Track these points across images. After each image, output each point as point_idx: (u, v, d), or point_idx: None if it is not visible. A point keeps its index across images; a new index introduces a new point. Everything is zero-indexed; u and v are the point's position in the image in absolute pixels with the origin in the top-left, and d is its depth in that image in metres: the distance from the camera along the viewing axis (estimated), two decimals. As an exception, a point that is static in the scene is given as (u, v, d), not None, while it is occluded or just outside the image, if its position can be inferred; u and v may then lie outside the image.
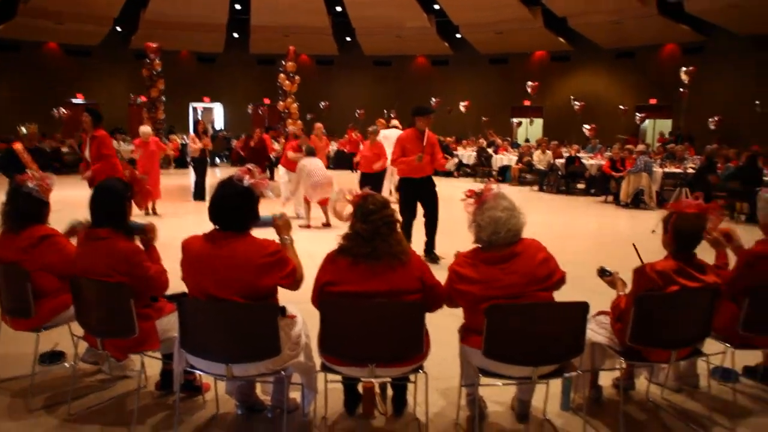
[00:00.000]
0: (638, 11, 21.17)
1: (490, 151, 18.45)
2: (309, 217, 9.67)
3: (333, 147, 20.19)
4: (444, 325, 3.51)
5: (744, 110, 18.84)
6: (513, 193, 13.57)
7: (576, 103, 22.08)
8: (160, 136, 14.77)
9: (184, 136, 20.34)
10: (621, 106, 22.30)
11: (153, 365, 3.69)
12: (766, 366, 4.02)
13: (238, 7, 25.21)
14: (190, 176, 12.53)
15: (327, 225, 9.51)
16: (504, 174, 17.52)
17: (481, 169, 17.95)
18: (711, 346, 3.49)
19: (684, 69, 16.80)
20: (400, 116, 18.99)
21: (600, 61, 25.12)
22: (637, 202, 12.80)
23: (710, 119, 17.68)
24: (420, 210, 7.24)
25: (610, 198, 13.70)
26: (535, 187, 15.87)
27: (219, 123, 28.95)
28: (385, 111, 23.91)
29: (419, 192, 7.19)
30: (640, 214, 12.11)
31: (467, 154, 19.23)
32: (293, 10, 23.55)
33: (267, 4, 23.63)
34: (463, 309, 3.16)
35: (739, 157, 13.18)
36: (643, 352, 3.28)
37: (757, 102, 17.68)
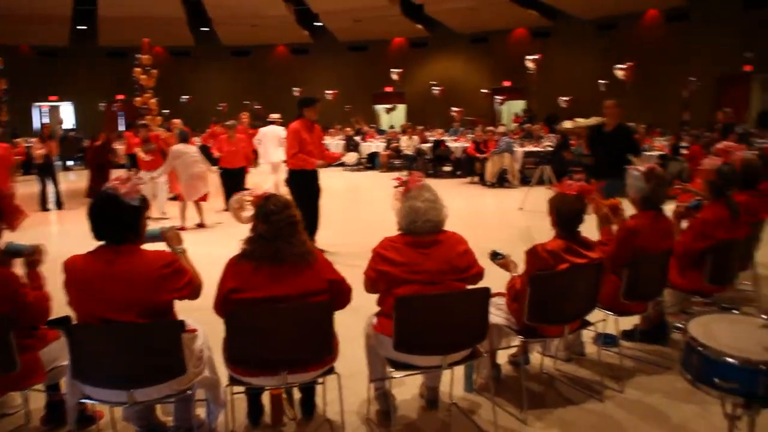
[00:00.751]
0: (491, -3, 22.10)
1: (357, 139, 18.56)
2: (184, 217, 9.07)
3: (196, 142, 19.43)
4: (346, 324, 3.48)
5: (592, 89, 20.20)
6: (383, 179, 13.85)
7: (435, 88, 22.78)
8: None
9: (30, 140, 18.71)
10: (483, 90, 23.21)
11: (36, 397, 3.36)
12: (642, 328, 4.36)
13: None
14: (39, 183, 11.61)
15: (201, 226, 9.14)
16: (373, 161, 17.72)
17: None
18: (592, 315, 3.72)
19: (529, 57, 17.64)
20: (265, 108, 18.69)
21: (456, 47, 26.00)
22: (501, 181, 13.43)
23: (562, 98, 18.79)
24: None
25: (476, 179, 14.27)
26: (405, 173, 16.16)
27: (69, 122, 26.91)
28: (247, 102, 23.46)
29: (311, 185, 7.08)
30: (506, 192, 12.73)
31: (335, 143, 19.21)
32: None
33: (115, -6, 22.22)
34: (380, 293, 3.18)
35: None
36: (539, 329, 3.45)
37: (600, 81, 19.06)
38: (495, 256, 3.76)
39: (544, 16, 23.19)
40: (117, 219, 2.73)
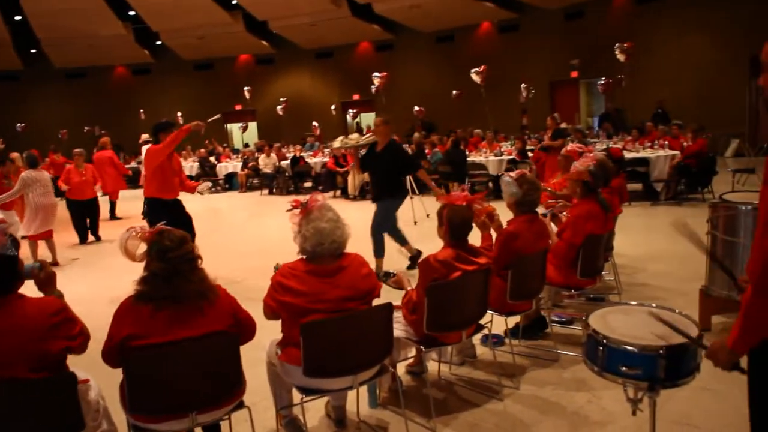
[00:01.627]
0: (333, 13, 22.39)
1: (212, 159, 18.06)
2: (36, 256, 8.24)
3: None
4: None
5: (439, 99, 21.06)
6: (243, 198, 13.58)
7: (279, 106, 22.72)
8: None
9: None
10: (332, 106, 23.42)
11: None
12: (524, 325, 4.61)
13: None
14: None
15: (55, 264, 8.40)
16: (231, 181, 17.32)
17: (203, 179, 17.46)
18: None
19: (375, 74, 17.90)
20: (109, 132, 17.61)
21: (303, 62, 26.09)
22: (363, 193, 13.63)
23: (416, 108, 19.40)
24: None
25: (338, 193, 14.39)
26: (265, 191, 15.97)
27: None
28: (86, 128, 22.10)
29: (172, 214, 6.54)
30: (369, 204, 12.90)
31: (188, 165, 18.55)
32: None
33: None
34: (282, 322, 3.10)
35: (442, 142, 14.75)
36: (439, 337, 3.55)
37: (454, 91, 19.95)
38: (387, 276, 3.79)
39: (386, 30, 23.91)
40: None
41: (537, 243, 4.05)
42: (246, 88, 20.87)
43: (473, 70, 14.35)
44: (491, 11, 21.41)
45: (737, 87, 16.10)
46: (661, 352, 2.23)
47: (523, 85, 17.91)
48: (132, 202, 12.91)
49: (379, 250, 6.51)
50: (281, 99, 22.59)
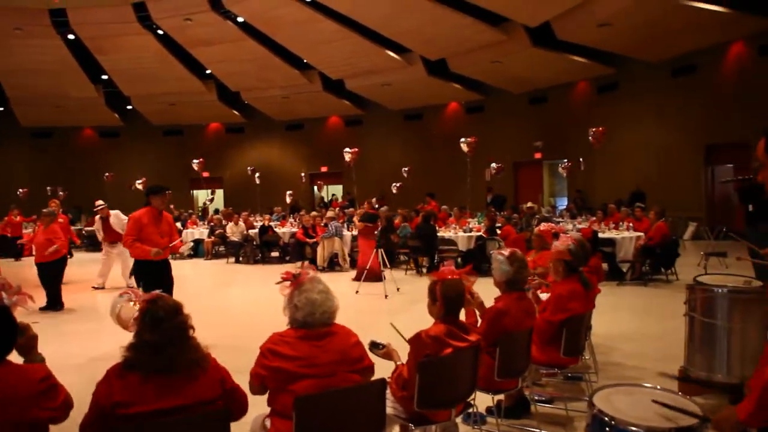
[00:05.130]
0: (305, 87, 22.88)
1: (179, 225, 17.84)
2: None
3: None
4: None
5: (401, 175, 21.39)
6: (209, 266, 13.30)
7: (257, 174, 22.77)
8: None
9: None
10: (302, 174, 23.60)
11: None
12: (506, 405, 4.58)
13: None
14: None
15: None
16: (196, 248, 17.10)
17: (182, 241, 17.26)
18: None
19: (347, 150, 17.96)
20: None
21: (273, 133, 26.40)
22: (332, 264, 13.59)
23: (394, 184, 19.58)
24: None
25: (306, 263, 14.29)
26: (231, 260, 15.79)
27: None
28: (48, 189, 21.72)
29: (160, 276, 6.61)
30: (339, 276, 12.89)
31: (153, 230, 18.32)
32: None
33: None
34: (269, 392, 3.03)
35: (409, 218, 14.87)
36: (429, 415, 3.50)
37: (404, 168, 20.33)
38: (375, 347, 3.75)
39: (356, 106, 24.47)
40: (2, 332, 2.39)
41: (525, 321, 4.08)
42: (196, 161, 20.49)
43: (462, 140, 14.69)
44: (459, 92, 22.16)
45: (693, 172, 16.80)
46: (667, 433, 2.24)
47: (493, 164, 18.41)
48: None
49: None
50: (249, 168, 22.74)
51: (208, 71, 22.62)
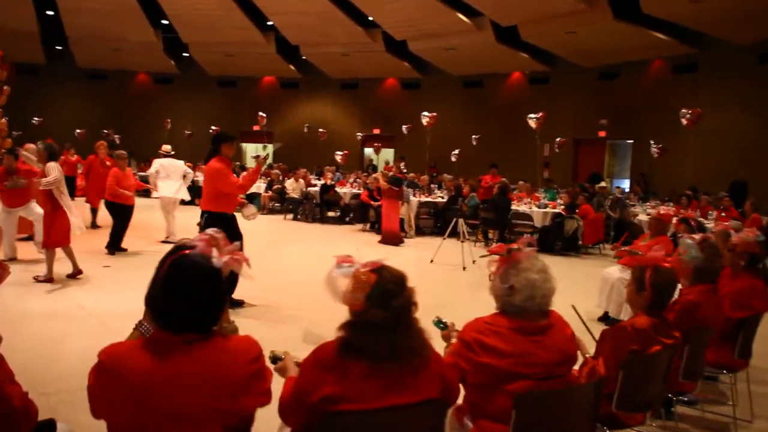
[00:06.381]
0: (367, 46, 22.29)
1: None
2: (52, 268, 7.20)
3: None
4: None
5: (460, 143, 20.78)
6: (267, 222, 12.86)
7: (311, 128, 22.40)
8: None
9: None
10: (358, 134, 23.23)
11: None
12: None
13: None
14: None
15: (79, 273, 7.48)
16: (252, 202, 16.84)
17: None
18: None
19: (425, 113, 17.32)
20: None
21: (327, 90, 25.91)
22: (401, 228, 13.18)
23: (453, 152, 19.03)
24: None
25: (367, 226, 13.98)
26: (289, 216, 15.51)
27: None
28: (104, 131, 21.60)
29: (229, 229, 6.31)
30: (406, 243, 12.52)
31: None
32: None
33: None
34: (468, 388, 2.63)
35: (475, 188, 14.37)
36: (624, 418, 3.12)
37: (474, 136, 19.80)
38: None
39: (416, 69, 23.82)
40: (215, 298, 1.99)
41: (717, 317, 3.67)
42: (261, 114, 20.35)
43: (530, 115, 14.13)
44: (525, 62, 21.40)
45: (769, 164, 15.99)
46: None
47: (558, 138, 17.80)
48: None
49: None
50: (305, 125, 22.40)
51: (269, 22, 22.12)
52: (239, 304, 6.54)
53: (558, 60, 21.24)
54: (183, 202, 11.65)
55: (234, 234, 6.26)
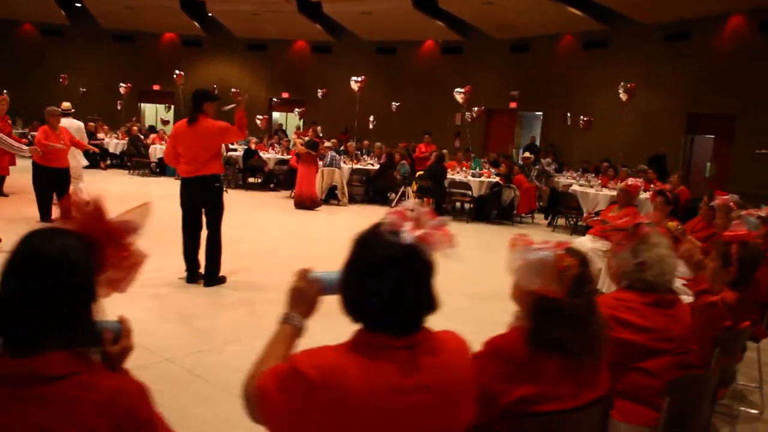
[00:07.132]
0: (279, 6, 21.39)
1: (145, 140, 16.50)
2: None
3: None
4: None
5: (375, 110, 20.50)
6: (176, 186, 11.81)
7: (215, 88, 21.27)
8: None
9: None
10: (273, 99, 22.50)
11: None
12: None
13: None
14: None
15: None
16: (164, 166, 15.85)
17: (135, 159, 15.98)
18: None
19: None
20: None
21: (233, 51, 24.77)
22: (328, 197, 12.85)
23: (370, 119, 18.75)
24: None
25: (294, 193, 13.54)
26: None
27: None
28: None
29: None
30: (338, 210, 12.26)
31: (114, 143, 16.88)
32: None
33: None
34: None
35: (410, 154, 14.32)
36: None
37: (394, 104, 19.62)
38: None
39: (327, 32, 23.18)
40: (429, 291, 1.58)
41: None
42: (179, 72, 19.18)
43: (457, 90, 14.13)
44: (439, 30, 21.35)
45: (674, 139, 17.02)
46: None
47: (475, 108, 18.02)
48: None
49: None
50: (214, 86, 21.29)
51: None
52: (222, 280, 6.11)
53: (472, 30, 21.37)
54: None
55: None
